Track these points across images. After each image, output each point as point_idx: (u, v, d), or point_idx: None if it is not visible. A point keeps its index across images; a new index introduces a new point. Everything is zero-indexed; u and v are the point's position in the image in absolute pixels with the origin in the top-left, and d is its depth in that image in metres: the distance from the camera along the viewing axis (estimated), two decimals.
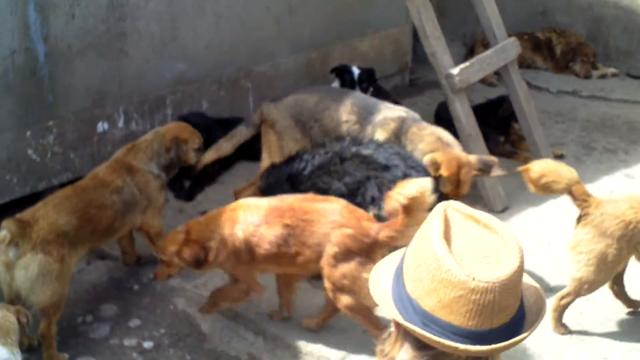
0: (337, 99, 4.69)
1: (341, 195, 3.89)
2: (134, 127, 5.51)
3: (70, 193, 4.05)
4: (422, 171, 4.01)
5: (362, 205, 3.92)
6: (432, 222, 1.80)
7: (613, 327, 3.92)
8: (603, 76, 8.67)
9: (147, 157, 4.35)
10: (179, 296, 4.24)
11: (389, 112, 4.70)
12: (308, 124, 4.72)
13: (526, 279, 1.90)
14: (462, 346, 1.69)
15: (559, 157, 6.19)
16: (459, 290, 1.68)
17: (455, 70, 5.08)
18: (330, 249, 3.51)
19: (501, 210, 5.22)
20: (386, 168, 3.96)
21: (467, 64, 5.21)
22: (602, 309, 4.10)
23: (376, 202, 3.87)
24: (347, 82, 6.34)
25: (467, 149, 4.93)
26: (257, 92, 6.48)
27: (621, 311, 4.06)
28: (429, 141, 4.46)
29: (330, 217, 3.55)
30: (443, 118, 6.69)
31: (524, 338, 1.78)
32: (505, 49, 5.54)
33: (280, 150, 4.75)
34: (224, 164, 5.69)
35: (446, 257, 1.70)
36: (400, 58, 8.16)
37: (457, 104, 5.14)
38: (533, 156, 5.92)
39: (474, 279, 1.67)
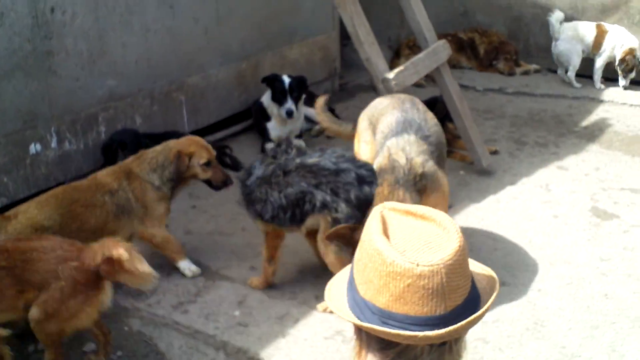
0: (397, 107, 4.42)
1: (280, 206, 3.96)
2: (68, 146, 5.36)
3: (59, 191, 4.22)
4: (372, 170, 4.00)
5: (312, 211, 3.92)
6: (371, 224, 1.84)
7: (567, 317, 4.01)
8: (526, 72, 8.92)
9: (150, 168, 4.35)
10: (132, 317, 4.12)
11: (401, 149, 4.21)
12: (374, 127, 4.59)
13: (478, 268, 1.97)
14: (420, 334, 1.72)
15: (493, 153, 6.34)
16: (407, 279, 1.71)
17: (391, 75, 5.11)
18: (57, 284, 3.36)
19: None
20: (336, 173, 3.93)
21: (401, 67, 5.26)
22: (554, 299, 4.18)
23: (329, 205, 3.86)
24: (278, 91, 6.35)
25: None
26: (191, 104, 6.41)
27: (573, 300, 4.17)
28: None
29: (52, 253, 3.42)
30: None
31: (482, 314, 1.82)
32: (436, 52, 5.62)
33: (357, 151, 4.71)
34: None
35: (388, 250, 1.74)
36: (329, 64, 8.20)
37: None
38: (469, 154, 6.04)
39: (418, 265, 1.71)
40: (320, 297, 4.19)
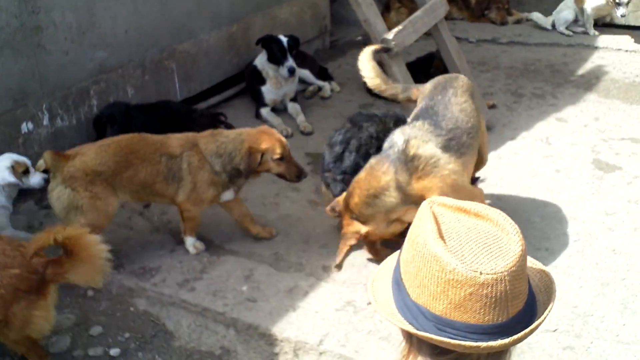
0: (428, 96, 4.21)
1: None
2: (60, 123, 5.25)
3: (124, 139, 4.28)
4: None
5: None
6: (423, 223, 1.72)
7: (577, 275, 3.99)
8: (518, 21, 8.81)
9: (217, 152, 4.23)
10: (138, 297, 4.07)
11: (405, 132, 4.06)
12: None
13: (529, 262, 1.84)
14: (483, 344, 1.63)
15: (491, 107, 6.27)
16: (468, 288, 1.61)
17: (390, 35, 5.01)
18: None
19: None
20: None
21: (400, 27, 5.14)
22: (563, 257, 4.16)
23: None
24: (276, 51, 6.21)
25: (408, 112, 4.87)
26: (182, 72, 6.29)
27: (582, 258, 4.14)
28: None
29: None
30: None
31: (543, 320, 1.73)
32: (434, 8, 5.51)
33: None
34: None
35: (447, 257, 1.63)
36: (320, 22, 8.06)
37: (395, 68, 5.08)
38: None
39: (481, 273, 1.60)
40: (327, 268, 4.16)
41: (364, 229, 3.92)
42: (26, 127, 5.03)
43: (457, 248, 1.66)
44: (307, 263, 4.24)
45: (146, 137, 4.33)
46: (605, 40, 7.95)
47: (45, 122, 5.14)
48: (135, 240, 4.57)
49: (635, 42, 7.84)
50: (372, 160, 3.89)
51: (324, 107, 6.66)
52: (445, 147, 3.88)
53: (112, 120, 5.32)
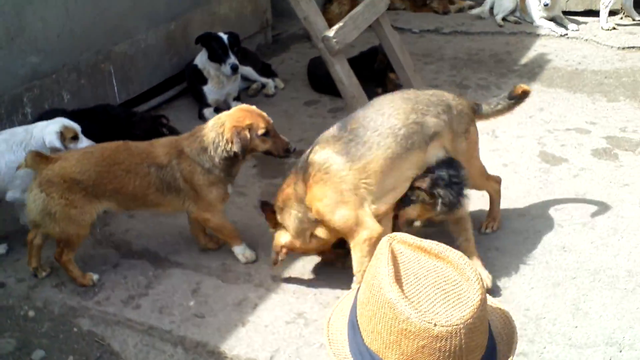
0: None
1: None
2: None
3: (107, 148, 4.14)
4: None
5: None
6: (380, 263, 1.62)
7: (528, 275, 3.98)
8: (461, 10, 8.81)
9: (200, 147, 4.02)
10: (81, 316, 3.92)
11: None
12: None
13: (489, 301, 1.77)
14: None
15: None
16: (421, 340, 1.53)
17: (330, 33, 4.91)
18: None
19: None
20: None
21: (341, 24, 5.05)
22: (513, 256, 4.15)
23: None
24: (217, 49, 6.06)
25: (351, 110, 4.79)
26: (120, 74, 6.09)
27: (532, 257, 4.13)
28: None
29: None
30: (317, 74, 6.59)
31: None
32: (374, 3, 5.42)
33: None
34: None
35: (402, 304, 1.54)
36: (261, 16, 7.92)
37: (337, 67, 4.99)
38: None
39: (435, 325, 1.52)
40: (276, 278, 4.07)
41: (285, 240, 3.84)
42: None
43: (413, 293, 1.57)
44: (256, 273, 4.14)
45: (130, 147, 4.15)
46: (547, 27, 7.97)
47: None
48: (76, 255, 4.37)
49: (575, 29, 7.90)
50: (291, 175, 3.79)
51: (269, 105, 6.52)
52: (342, 151, 3.58)
53: None
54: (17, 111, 5.19)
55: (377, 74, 6.23)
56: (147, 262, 4.31)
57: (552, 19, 7.98)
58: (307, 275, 4.09)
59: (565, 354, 3.38)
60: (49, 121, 4.44)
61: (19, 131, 4.41)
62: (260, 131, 4.00)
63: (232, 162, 4.05)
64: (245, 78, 6.70)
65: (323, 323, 1.80)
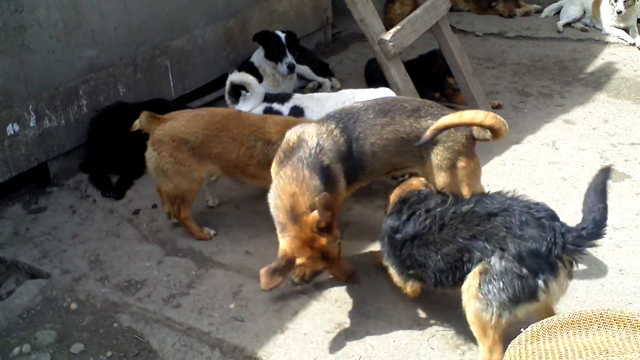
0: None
1: (440, 271, 3.26)
2: (48, 124, 5.07)
3: (219, 113, 4.38)
4: (543, 210, 3.18)
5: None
6: None
7: (581, 298, 3.80)
8: (527, 13, 8.58)
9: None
10: (122, 312, 3.90)
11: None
12: None
13: None
14: None
15: (496, 107, 6.06)
16: None
17: (387, 36, 4.79)
18: None
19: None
20: (492, 215, 3.16)
21: (398, 27, 4.93)
22: None
23: (484, 257, 3.11)
24: (274, 47, 6.02)
25: None
26: (176, 69, 6.09)
27: (587, 277, 3.95)
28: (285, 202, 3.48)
29: None
30: (375, 77, 6.47)
31: None
32: (435, 6, 5.28)
33: None
34: None
35: None
36: (321, 14, 7.83)
37: (393, 70, 4.88)
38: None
39: None
40: (319, 285, 3.97)
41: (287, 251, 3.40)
42: (12, 128, 4.85)
43: None
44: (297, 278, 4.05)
45: (242, 117, 4.37)
46: (617, 35, 7.68)
47: (32, 123, 4.95)
48: (122, 250, 4.40)
49: None
50: (287, 170, 3.55)
51: None
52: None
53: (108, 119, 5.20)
54: (72, 103, 5.22)
55: (435, 78, 6.08)
56: (191, 261, 4.27)
57: (624, 29, 7.68)
58: (350, 285, 3.98)
59: None
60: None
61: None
62: None
63: None
64: (301, 77, 6.64)
65: None
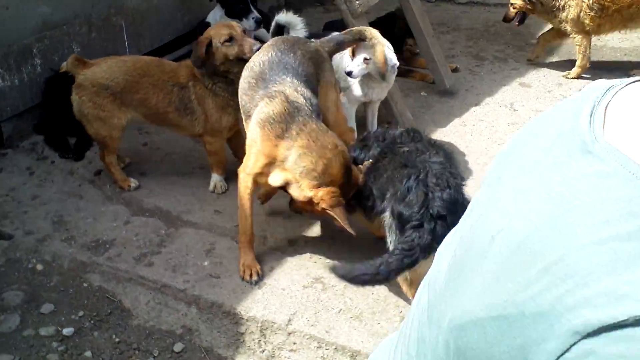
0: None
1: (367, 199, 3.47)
2: (1, 83, 4.88)
3: (142, 60, 4.43)
4: (445, 183, 3.16)
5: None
6: None
7: None
8: None
9: (196, 68, 4.22)
10: (91, 272, 3.82)
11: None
12: None
13: None
14: None
15: (454, 70, 6.11)
16: None
17: None
18: None
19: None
20: (405, 166, 3.28)
21: None
22: None
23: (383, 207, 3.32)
24: (237, 4, 5.85)
25: None
26: (132, 29, 5.93)
27: None
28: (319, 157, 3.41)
29: None
30: None
31: None
32: None
33: None
34: None
35: None
36: None
37: None
38: (432, 73, 5.79)
39: None
40: (293, 241, 3.97)
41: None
42: None
43: None
44: (271, 236, 4.03)
45: (163, 63, 4.43)
46: None
47: None
48: (86, 211, 4.29)
49: None
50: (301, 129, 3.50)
51: None
52: None
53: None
54: (26, 62, 5.03)
55: (395, 40, 6.07)
56: (159, 221, 4.20)
57: None
58: (325, 240, 3.99)
59: None
60: None
61: None
62: (223, 38, 4.12)
63: (216, 76, 4.20)
64: (259, 39, 6.53)
65: None
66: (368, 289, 3.55)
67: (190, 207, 4.32)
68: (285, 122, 3.42)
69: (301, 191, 3.41)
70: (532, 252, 0.83)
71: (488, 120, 5.32)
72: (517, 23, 6.17)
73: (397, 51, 6.05)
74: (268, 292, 3.59)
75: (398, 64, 4.53)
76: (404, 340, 1.20)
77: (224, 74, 4.19)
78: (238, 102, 3.92)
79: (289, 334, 3.37)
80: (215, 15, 6.06)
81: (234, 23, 4.33)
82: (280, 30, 5.02)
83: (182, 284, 3.67)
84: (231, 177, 4.26)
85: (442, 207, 3.05)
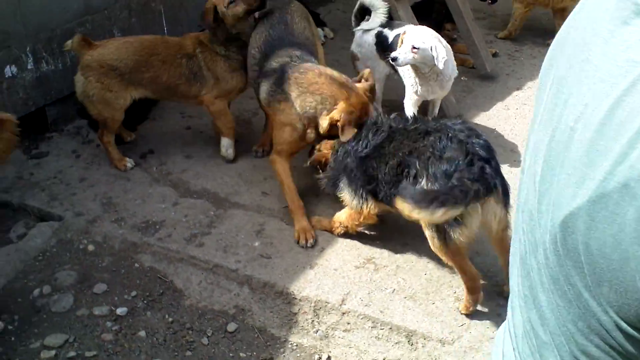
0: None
1: (387, 183, 3.39)
2: (45, 67, 4.89)
3: (147, 39, 4.47)
4: (474, 134, 3.28)
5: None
6: None
7: None
8: None
9: (211, 35, 4.38)
10: (143, 252, 3.85)
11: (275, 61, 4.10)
12: None
13: None
14: None
15: (494, 55, 6.07)
16: None
17: None
18: None
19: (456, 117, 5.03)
20: (427, 133, 3.29)
21: None
22: None
23: (417, 177, 3.22)
24: None
25: None
26: (170, 14, 5.92)
27: None
28: (319, 89, 3.77)
29: None
30: None
31: None
32: None
33: None
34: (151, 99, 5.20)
35: None
36: None
37: (401, 12, 4.87)
38: (472, 57, 5.76)
39: None
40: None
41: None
42: (10, 71, 4.68)
43: None
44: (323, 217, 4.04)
45: (167, 40, 4.55)
46: None
47: (30, 65, 4.79)
48: (134, 193, 4.32)
49: None
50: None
51: None
52: None
53: None
54: None
55: (433, 25, 6.04)
56: (207, 202, 4.22)
57: None
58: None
59: None
60: None
61: None
62: (226, 1, 4.25)
63: (232, 42, 4.37)
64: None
65: None
66: (420, 269, 3.55)
67: (237, 188, 4.33)
68: (280, 87, 3.90)
69: (321, 127, 3.72)
70: (618, 124, 0.82)
71: (531, 104, 5.28)
72: (489, 1, 6.22)
73: None
74: (320, 272, 3.60)
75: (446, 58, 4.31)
76: (513, 297, 1.19)
77: (237, 36, 4.36)
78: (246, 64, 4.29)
79: (343, 313, 3.38)
80: None
81: None
82: (364, 11, 5.00)
83: (233, 264, 3.69)
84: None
85: (484, 150, 3.14)
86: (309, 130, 3.81)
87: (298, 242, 3.79)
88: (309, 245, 3.76)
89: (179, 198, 4.26)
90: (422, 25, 5.52)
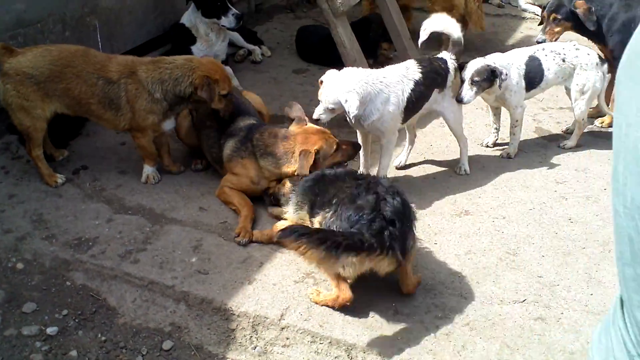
0: None
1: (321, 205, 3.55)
2: None
3: (67, 50, 4.31)
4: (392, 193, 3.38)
5: None
6: None
7: (537, 244, 3.92)
8: None
9: (160, 78, 4.20)
10: (75, 270, 3.72)
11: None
12: None
13: None
14: None
15: None
16: None
17: None
18: None
19: None
20: (356, 179, 3.56)
21: None
22: (521, 225, 4.09)
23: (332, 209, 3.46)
24: (215, 3, 5.77)
25: None
26: (105, 29, 5.84)
27: (539, 226, 4.08)
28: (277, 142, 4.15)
29: None
30: (306, 43, 6.46)
31: None
32: None
33: None
34: None
35: None
36: None
37: (340, 29, 4.86)
38: None
39: None
40: None
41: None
42: None
43: None
44: (259, 234, 3.98)
45: (90, 54, 4.32)
46: (533, 11, 7.97)
47: None
48: (66, 209, 4.19)
49: None
50: None
51: (256, 71, 6.37)
52: None
53: None
54: None
55: (370, 44, 6.11)
56: (143, 218, 4.12)
57: (539, 5, 7.97)
58: None
59: (583, 320, 3.33)
60: None
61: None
62: (224, 91, 4.24)
63: (180, 101, 4.27)
64: (232, 44, 6.51)
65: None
66: (358, 283, 3.53)
67: (174, 204, 4.25)
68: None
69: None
70: None
71: (466, 121, 5.35)
72: None
73: (372, 56, 6.11)
74: (259, 287, 3.54)
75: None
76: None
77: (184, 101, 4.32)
78: (166, 110, 4.26)
79: (282, 328, 3.32)
80: (191, 16, 6.02)
81: (229, 75, 4.55)
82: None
83: (170, 280, 3.59)
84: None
85: (394, 212, 3.21)
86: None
87: (238, 237, 3.90)
88: (242, 243, 3.87)
89: (113, 214, 4.15)
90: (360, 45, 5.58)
